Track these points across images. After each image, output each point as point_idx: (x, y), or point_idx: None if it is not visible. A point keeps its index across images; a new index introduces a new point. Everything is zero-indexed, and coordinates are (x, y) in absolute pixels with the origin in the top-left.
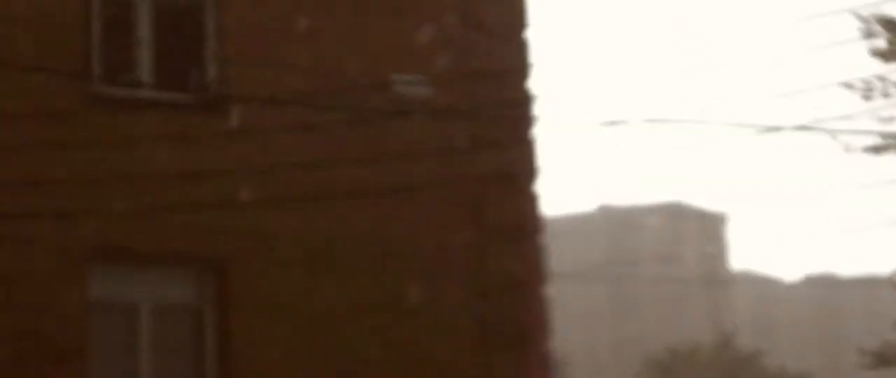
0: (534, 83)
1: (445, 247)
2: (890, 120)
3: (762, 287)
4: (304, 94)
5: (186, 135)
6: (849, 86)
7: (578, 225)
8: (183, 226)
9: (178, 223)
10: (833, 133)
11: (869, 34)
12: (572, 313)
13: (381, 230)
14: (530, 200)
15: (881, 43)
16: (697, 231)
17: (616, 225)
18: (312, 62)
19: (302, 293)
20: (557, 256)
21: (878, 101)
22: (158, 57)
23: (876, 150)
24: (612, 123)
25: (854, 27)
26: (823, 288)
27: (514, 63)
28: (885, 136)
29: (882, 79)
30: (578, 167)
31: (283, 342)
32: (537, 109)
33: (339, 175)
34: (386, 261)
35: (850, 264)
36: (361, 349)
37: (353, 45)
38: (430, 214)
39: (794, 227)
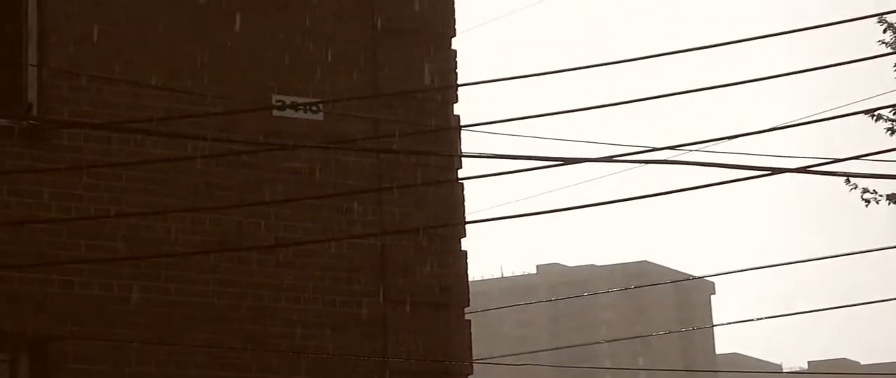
0: (462, 108)
1: (343, 324)
2: None
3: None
4: (156, 120)
5: None
6: (872, 114)
7: (515, 290)
8: None
9: None
10: (849, 176)
11: None
12: None
13: (255, 299)
14: (454, 261)
15: None
16: (671, 301)
17: (563, 291)
18: (168, 78)
19: None
20: (486, 333)
21: None
22: None
23: None
24: (566, 162)
25: (876, 39)
26: None
27: (437, 80)
28: None
29: None
30: (516, 220)
31: None
32: (466, 144)
33: (199, 227)
34: (262, 339)
35: (868, 349)
36: None
37: (224, 55)
38: (322, 279)
39: (795, 300)
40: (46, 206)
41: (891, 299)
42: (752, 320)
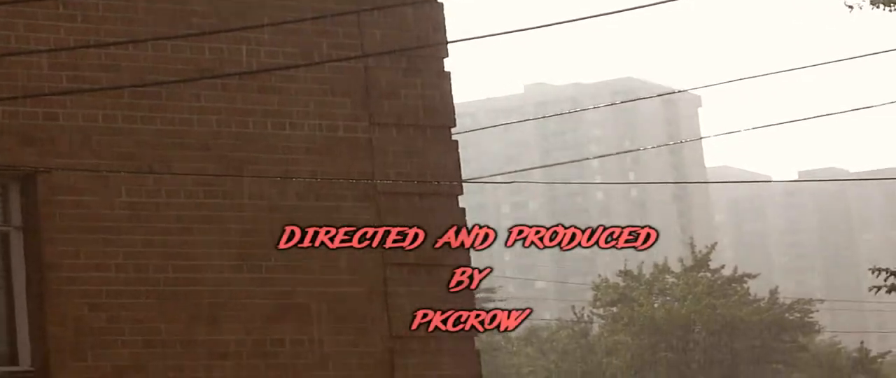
0: None
1: (330, 148)
2: None
3: (745, 188)
4: None
5: None
6: None
7: (502, 111)
8: None
9: None
10: None
11: None
12: (499, 226)
13: (240, 126)
14: (439, 82)
15: None
16: (659, 116)
17: (550, 110)
18: None
19: (133, 210)
20: (475, 154)
21: None
22: None
23: (891, 3)
24: None
25: None
26: (825, 187)
27: None
28: None
29: None
30: (500, 41)
31: (111, 269)
32: None
33: (179, 54)
34: (248, 165)
35: (858, 156)
36: (219, 279)
37: None
38: (306, 104)
39: (783, 111)
40: (24, 39)
41: (877, 105)
42: (740, 131)
